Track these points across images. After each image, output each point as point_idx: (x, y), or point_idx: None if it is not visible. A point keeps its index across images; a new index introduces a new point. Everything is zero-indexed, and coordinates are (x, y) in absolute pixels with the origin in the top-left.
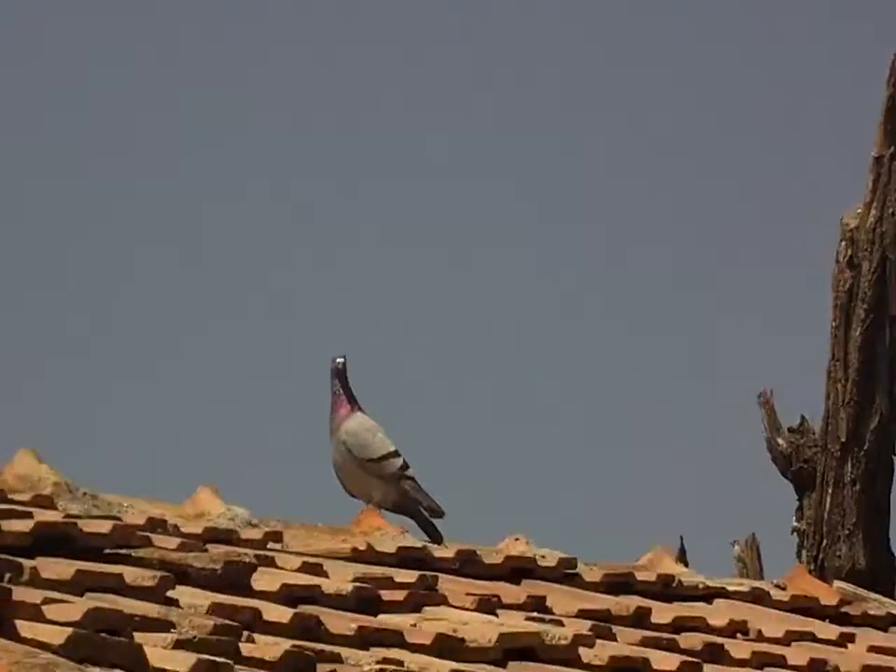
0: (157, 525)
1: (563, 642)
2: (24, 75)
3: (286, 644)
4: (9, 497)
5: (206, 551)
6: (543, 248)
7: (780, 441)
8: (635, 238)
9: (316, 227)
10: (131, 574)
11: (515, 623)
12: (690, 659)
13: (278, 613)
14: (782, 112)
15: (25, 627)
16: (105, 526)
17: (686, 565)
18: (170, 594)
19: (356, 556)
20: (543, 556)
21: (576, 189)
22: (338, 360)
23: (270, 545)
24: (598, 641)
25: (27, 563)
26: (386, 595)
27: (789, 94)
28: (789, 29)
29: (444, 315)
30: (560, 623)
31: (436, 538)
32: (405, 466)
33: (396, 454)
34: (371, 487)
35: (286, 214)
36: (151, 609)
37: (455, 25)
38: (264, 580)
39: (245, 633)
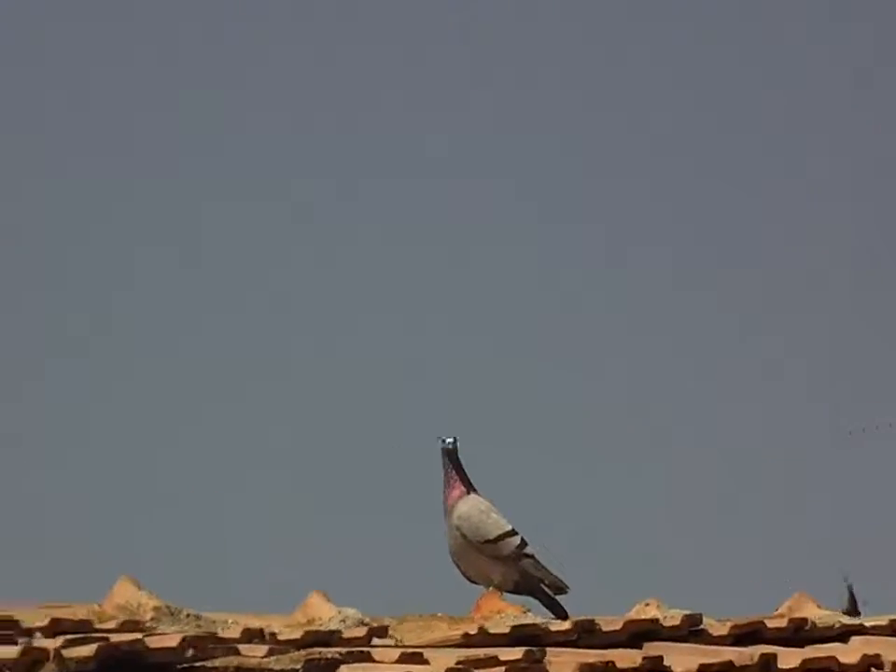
0: (253, 635)
1: None
2: (24, 75)
3: None
4: (97, 626)
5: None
6: (543, 248)
7: None
8: (635, 238)
9: (316, 227)
10: None
11: None
12: None
13: None
14: (782, 112)
15: None
16: (173, 640)
17: (856, 612)
18: None
19: (466, 642)
20: (665, 617)
21: (576, 188)
22: (447, 441)
23: (375, 640)
24: None
25: None
26: None
27: (789, 94)
28: (789, 29)
29: (444, 315)
30: None
31: (561, 614)
32: (523, 544)
33: (512, 532)
34: (490, 570)
35: (286, 214)
36: None
37: (455, 25)
38: None
39: None
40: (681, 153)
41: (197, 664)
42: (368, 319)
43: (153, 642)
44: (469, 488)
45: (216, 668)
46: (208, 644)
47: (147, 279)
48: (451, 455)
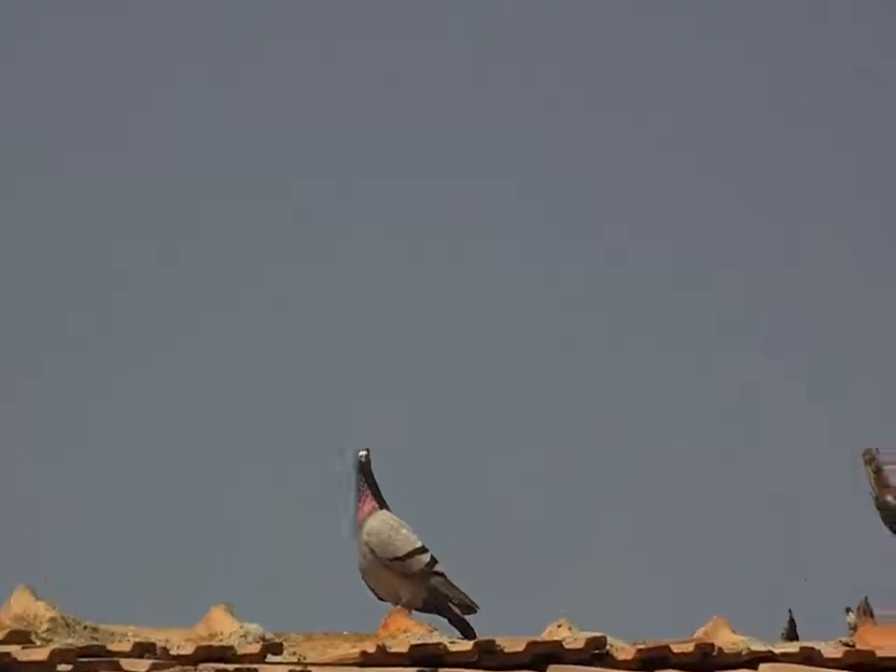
0: (145, 649)
1: None
2: (24, 75)
3: None
4: None
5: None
6: (543, 248)
7: (891, 497)
8: (635, 238)
9: (316, 227)
10: None
11: None
12: None
13: None
14: (782, 112)
15: None
16: (42, 654)
17: (796, 638)
18: None
19: (363, 660)
20: (566, 640)
21: (576, 188)
22: (360, 454)
23: (269, 657)
24: None
25: None
26: None
27: (789, 94)
28: (789, 29)
29: (444, 315)
30: None
31: (468, 634)
32: (433, 561)
33: (422, 549)
34: (399, 587)
35: (286, 214)
36: None
37: (455, 25)
38: None
39: None
40: (681, 153)
41: None
42: (368, 319)
43: (22, 655)
44: (381, 504)
45: None
46: (82, 657)
47: (148, 279)
48: (363, 469)
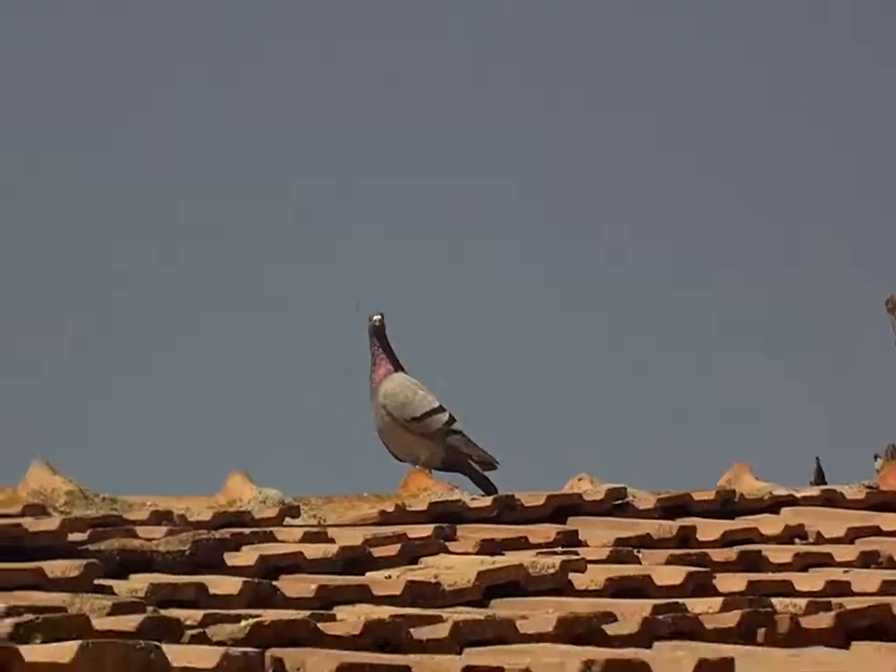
0: (162, 517)
1: (550, 571)
2: (24, 75)
3: (198, 615)
4: (1, 512)
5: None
6: (543, 248)
7: None
8: (635, 238)
9: (316, 227)
10: (60, 567)
11: (506, 560)
12: (700, 569)
13: (229, 585)
14: (782, 112)
15: None
16: (53, 523)
17: (824, 485)
18: (117, 581)
19: (382, 520)
20: (587, 492)
21: (576, 188)
22: (374, 318)
23: (288, 520)
24: (600, 566)
25: None
26: (380, 552)
27: (789, 94)
28: (789, 29)
29: (444, 315)
30: (575, 554)
31: (490, 490)
32: (451, 420)
33: (440, 409)
34: (417, 448)
35: (286, 214)
36: (57, 599)
37: (455, 25)
38: (244, 556)
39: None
40: (681, 153)
41: (81, 546)
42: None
43: (33, 526)
44: (396, 366)
45: (99, 551)
46: (97, 526)
47: (147, 279)
48: (377, 333)
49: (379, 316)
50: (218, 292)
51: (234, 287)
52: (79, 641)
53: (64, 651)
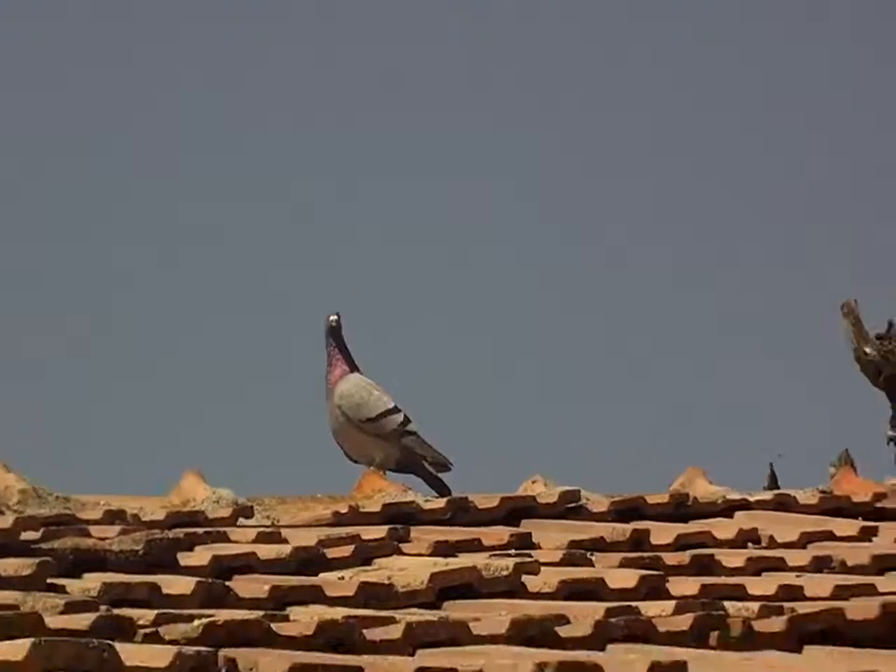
0: (115, 516)
1: (503, 573)
2: (24, 75)
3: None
4: None
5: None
6: (543, 248)
7: (868, 349)
8: (635, 238)
9: (316, 227)
10: (13, 565)
11: (459, 561)
12: (653, 573)
13: (182, 585)
14: (782, 112)
15: None
16: (6, 521)
17: (777, 488)
18: (70, 580)
19: (336, 521)
20: (540, 494)
21: (576, 188)
22: (331, 319)
23: (241, 521)
24: (554, 568)
25: None
26: (334, 552)
27: (789, 94)
28: (789, 29)
29: (444, 315)
30: (528, 557)
31: (444, 492)
32: (406, 421)
33: (395, 410)
34: (372, 448)
35: (286, 214)
36: (9, 598)
37: (455, 25)
38: (198, 556)
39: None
40: (681, 153)
41: (34, 545)
42: (368, 320)
43: None
44: (352, 367)
45: (52, 550)
46: (51, 525)
47: (147, 279)
48: (334, 333)
49: (336, 317)
50: (219, 292)
51: (234, 286)
52: (32, 639)
53: (17, 648)
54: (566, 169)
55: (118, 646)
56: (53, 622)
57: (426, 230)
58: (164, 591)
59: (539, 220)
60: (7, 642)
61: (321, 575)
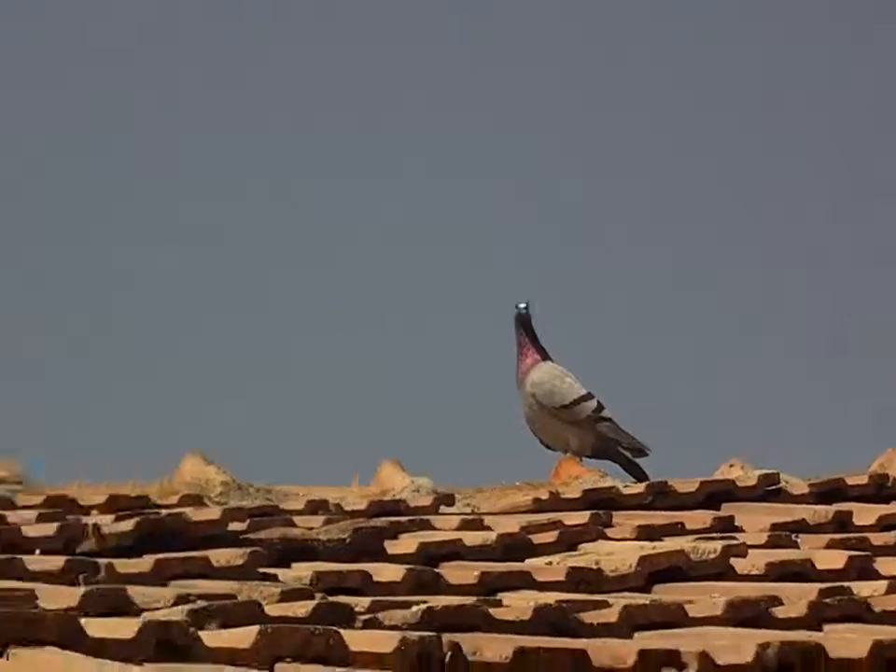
0: (317, 506)
1: (711, 556)
2: (24, 75)
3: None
4: (157, 502)
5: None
6: (543, 249)
7: None
8: (635, 238)
9: (316, 227)
10: (224, 556)
11: (665, 545)
12: (860, 553)
13: (393, 572)
14: (782, 112)
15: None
16: (215, 513)
17: None
18: (281, 569)
19: (536, 507)
20: (739, 478)
21: (576, 188)
22: (520, 307)
23: (443, 509)
24: (760, 551)
25: (119, 561)
26: (538, 538)
27: (789, 94)
28: (789, 29)
29: (444, 315)
30: (733, 539)
31: (640, 477)
32: (599, 407)
33: (588, 396)
34: (567, 435)
35: (286, 214)
36: (226, 587)
37: (455, 25)
38: (404, 544)
39: (323, 595)
40: (681, 153)
41: (242, 535)
42: (368, 320)
43: (195, 515)
44: (543, 355)
45: (260, 540)
46: (256, 516)
47: (147, 279)
48: (524, 322)
49: (525, 304)
50: (218, 292)
51: (234, 286)
52: (258, 627)
53: (243, 636)
54: (566, 169)
55: (341, 632)
56: (271, 609)
57: (426, 230)
58: (375, 578)
59: (538, 220)
60: (232, 630)
61: (528, 561)
